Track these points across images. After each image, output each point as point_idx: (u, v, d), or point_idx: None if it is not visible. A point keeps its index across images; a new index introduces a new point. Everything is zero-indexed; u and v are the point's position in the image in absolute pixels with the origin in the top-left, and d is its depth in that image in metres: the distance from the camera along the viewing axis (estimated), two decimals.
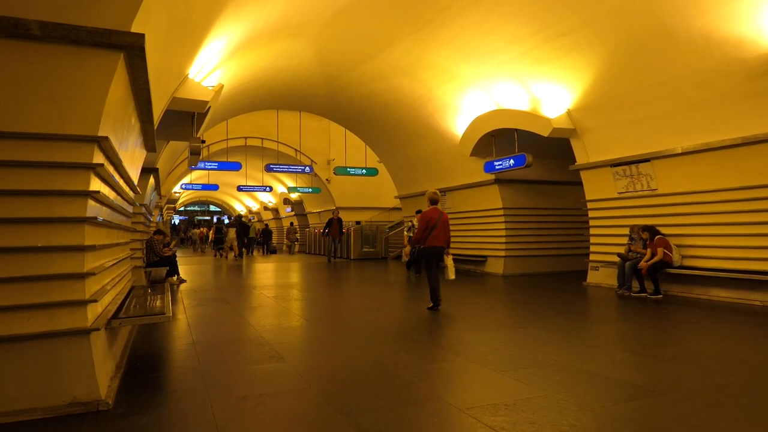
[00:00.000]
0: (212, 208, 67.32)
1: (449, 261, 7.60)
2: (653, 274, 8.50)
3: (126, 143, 4.82)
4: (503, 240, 13.15)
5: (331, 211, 20.56)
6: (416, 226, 11.23)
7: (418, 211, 12.47)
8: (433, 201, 7.63)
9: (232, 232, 20.70)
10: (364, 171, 20.99)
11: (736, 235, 7.99)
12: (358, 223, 21.92)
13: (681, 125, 8.42)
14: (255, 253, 25.70)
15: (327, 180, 25.13)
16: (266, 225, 32.66)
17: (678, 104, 8.26)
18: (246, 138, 23.39)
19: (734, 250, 8.00)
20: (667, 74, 8.07)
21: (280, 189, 31.76)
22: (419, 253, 7.64)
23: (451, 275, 7.63)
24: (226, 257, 20.81)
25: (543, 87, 10.34)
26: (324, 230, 19.15)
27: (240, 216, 29.72)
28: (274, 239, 34.24)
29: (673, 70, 7.95)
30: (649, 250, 8.64)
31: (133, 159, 5.76)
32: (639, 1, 7.43)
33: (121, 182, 5.02)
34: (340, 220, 18.95)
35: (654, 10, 7.41)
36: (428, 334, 5.92)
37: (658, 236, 8.67)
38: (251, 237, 24.38)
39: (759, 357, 4.84)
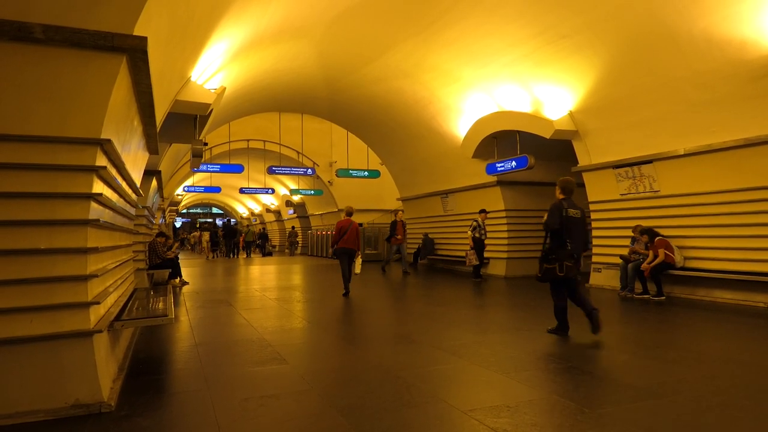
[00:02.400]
0: (215, 210, 67.41)
1: (358, 260, 9.54)
2: (656, 276, 8.48)
3: (128, 146, 4.84)
4: (505, 242, 13.14)
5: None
6: (481, 226, 11.39)
7: (482, 211, 12.24)
8: (349, 213, 9.72)
9: (206, 236, 24.38)
10: (366, 173, 20.99)
11: (739, 237, 7.97)
12: (360, 225, 21.91)
13: (683, 127, 8.41)
14: (253, 254, 27.21)
15: (329, 182, 25.14)
16: (263, 228, 33.93)
17: (680, 106, 8.25)
18: (248, 140, 23.42)
19: (737, 252, 7.97)
20: (669, 76, 8.06)
21: (282, 191, 31.80)
22: (334, 252, 9.61)
23: (357, 270, 9.53)
24: (216, 257, 23.47)
25: (545, 89, 10.34)
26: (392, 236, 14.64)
27: (230, 221, 32.61)
28: (276, 241, 34.81)
29: (675, 72, 7.94)
30: (651, 252, 8.63)
31: (135, 161, 5.77)
32: (640, 2, 7.43)
33: (124, 185, 5.03)
34: (403, 224, 15.27)
35: (656, 11, 7.41)
36: (430, 336, 5.92)
37: (658, 238, 8.64)
38: (249, 240, 26.95)
39: (763, 359, 4.82)
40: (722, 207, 8.15)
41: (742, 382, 3.99)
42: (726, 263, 8.10)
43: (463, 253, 14.85)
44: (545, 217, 5.77)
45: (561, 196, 5.88)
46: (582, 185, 10.93)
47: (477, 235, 11.97)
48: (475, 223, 12.09)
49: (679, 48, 7.60)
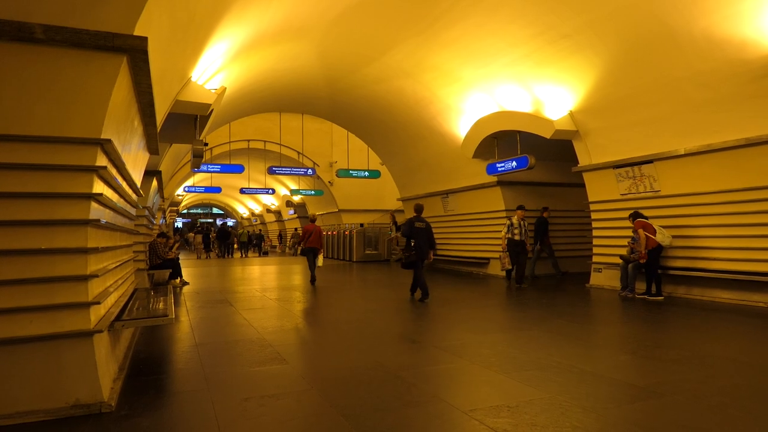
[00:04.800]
0: (215, 210, 67.44)
1: (320, 256, 11.98)
2: (654, 271, 8.45)
3: (129, 146, 4.84)
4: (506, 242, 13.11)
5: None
6: (514, 225, 10.52)
7: (519, 207, 10.76)
8: (312, 220, 12.54)
9: (198, 238, 26.14)
10: (366, 173, 21.00)
11: (740, 237, 7.96)
12: (361, 225, 21.93)
13: (683, 127, 8.40)
14: (250, 254, 28.82)
15: (329, 182, 25.15)
16: (259, 230, 35.42)
17: (680, 106, 8.25)
18: (249, 140, 23.44)
19: (737, 252, 7.97)
20: (670, 76, 8.05)
21: (282, 191, 31.84)
22: (302, 251, 12.13)
23: (320, 264, 11.96)
24: (208, 257, 24.90)
25: (545, 89, 10.33)
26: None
27: (225, 223, 34.65)
28: (276, 242, 35.44)
29: (676, 72, 7.94)
30: (642, 241, 8.61)
31: (136, 161, 5.78)
32: (641, 2, 7.43)
33: (124, 185, 5.04)
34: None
35: (656, 11, 7.40)
36: (430, 336, 5.92)
37: (637, 219, 8.70)
38: (243, 241, 28.93)
39: (762, 359, 4.82)
40: (723, 207, 8.14)
41: (743, 382, 3.98)
42: (726, 263, 8.10)
43: (463, 254, 14.92)
44: (402, 228, 9.16)
45: (414, 214, 9.14)
46: (582, 185, 10.94)
47: (510, 235, 10.65)
48: (508, 221, 10.83)
49: (680, 48, 7.60)
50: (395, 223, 18.40)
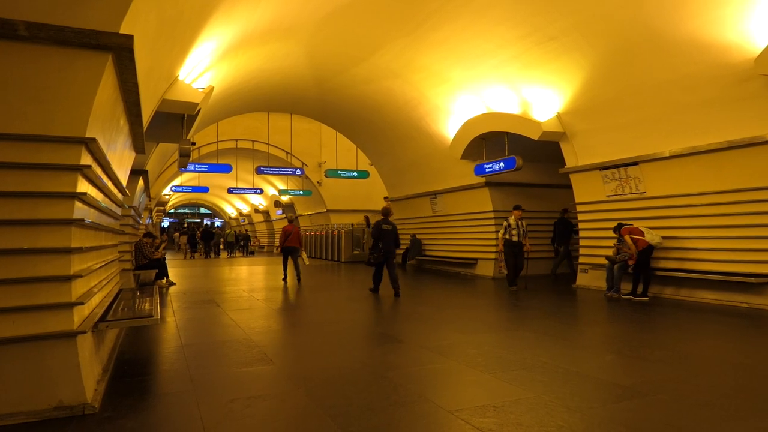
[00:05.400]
0: (203, 210, 66.98)
1: (304, 254, 12.85)
2: (645, 271, 8.54)
3: (114, 145, 4.80)
4: (493, 243, 13.16)
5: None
6: (511, 225, 10.16)
7: (517, 207, 10.28)
8: (290, 221, 12.93)
9: (184, 239, 27.17)
10: (355, 173, 20.98)
11: (723, 238, 8.07)
12: (351, 225, 21.91)
13: (669, 129, 8.50)
14: (237, 254, 29.73)
15: (318, 182, 25.09)
16: (246, 230, 36.13)
17: (666, 108, 8.35)
18: (237, 140, 23.31)
19: (721, 253, 8.08)
20: (655, 78, 8.15)
21: (270, 191, 31.71)
22: (282, 250, 12.53)
23: (306, 262, 13.36)
24: (194, 257, 25.69)
25: (533, 90, 10.40)
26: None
27: (213, 223, 35.59)
28: (264, 241, 35.50)
29: (661, 75, 8.03)
30: (629, 245, 8.70)
31: (121, 161, 5.72)
32: (628, 5, 7.51)
33: (110, 184, 4.99)
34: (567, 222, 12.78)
35: (642, 14, 7.49)
36: (417, 336, 5.93)
37: (622, 227, 8.80)
38: (230, 241, 29.78)
39: (745, 358, 4.89)
40: (706, 209, 8.25)
41: (726, 382, 4.04)
42: (710, 264, 8.21)
43: (451, 254, 14.96)
44: (371, 230, 10.04)
45: (381, 217, 9.81)
46: (569, 186, 11.03)
47: (507, 236, 10.21)
48: (505, 222, 10.37)
49: (665, 51, 7.69)
50: (369, 225, 18.73)
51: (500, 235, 10.36)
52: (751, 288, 7.64)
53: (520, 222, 10.24)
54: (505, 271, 10.37)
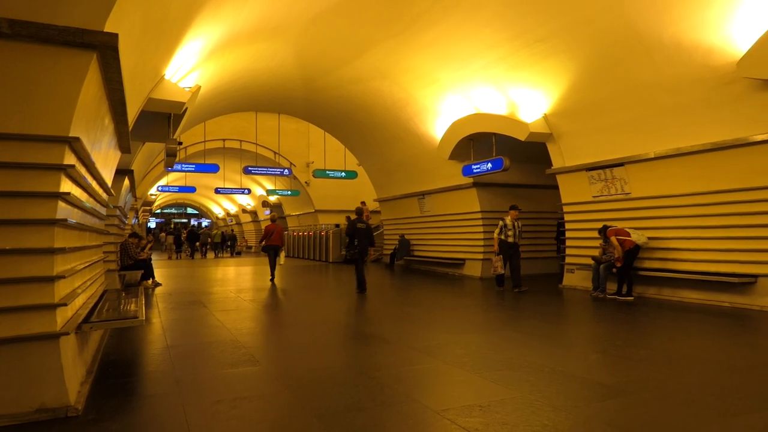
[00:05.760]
0: (189, 210, 66.49)
1: (282, 254, 13.00)
2: (627, 273, 8.63)
3: (99, 144, 4.75)
4: (481, 243, 13.25)
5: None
6: (507, 225, 9.99)
7: (513, 207, 10.17)
8: (273, 220, 13.29)
9: (170, 239, 27.14)
10: (343, 174, 20.98)
11: (706, 238, 8.18)
12: (337, 226, 21.87)
13: (653, 130, 8.60)
14: (224, 254, 29.77)
15: (306, 182, 25.03)
16: (232, 230, 35.89)
17: (651, 110, 8.44)
18: (224, 140, 23.18)
19: (704, 253, 8.18)
20: (641, 81, 8.24)
21: (258, 191, 31.57)
22: (263, 248, 12.93)
23: (282, 261, 13.07)
24: (179, 258, 25.70)
25: (520, 92, 10.46)
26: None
27: (200, 224, 35.67)
28: (252, 242, 35.52)
29: (646, 77, 8.12)
30: (615, 247, 8.79)
31: (106, 160, 5.67)
32: (613, 8, 7.58)
33: (94, 184, 4.93)
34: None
35: (628, 17, 7.57)
36: (405, 337, 5.94)
37: (608, 229, 8.89)
38: (216, 242, 29.93)
39: (727, 357, 4.96)
40: (690, 209, 8.36)
41: (708, 380, 4.10)
42: (693, 264, 8.31)
43: (439, 254, 14.99)
44: (346, 228, 10.53)
45: (354, 216, 10.39)
46: (556, 187, 11.11)
47: (503, 237, 10.01)
48: (501, 222, 10.15)
49: (650, 54, 7.78)
50: (507, 224, 18.10)
51: (495, 235, 10.13)
52: (734, 287, 7.75)
53: (516, 222, 10.10)
54: (502, 272, 9.98)
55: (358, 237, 9.92)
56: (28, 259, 3.28)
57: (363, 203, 10.15)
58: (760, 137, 7.18)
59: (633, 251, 8.63)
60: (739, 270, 7.66)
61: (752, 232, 7.55)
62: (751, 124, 7.27)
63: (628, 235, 8.66)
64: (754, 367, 4.50)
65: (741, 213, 7.64)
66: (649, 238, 8.84)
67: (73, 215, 3.98)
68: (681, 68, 7.60)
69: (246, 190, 27.88)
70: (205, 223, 62.58)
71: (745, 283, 7.60)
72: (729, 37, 6.89)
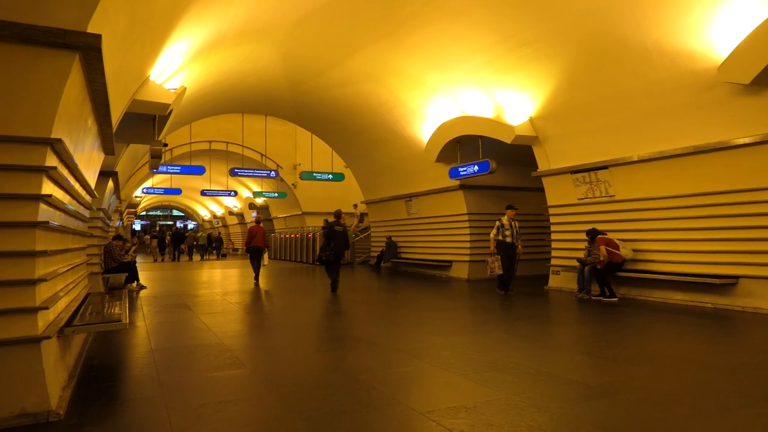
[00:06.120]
0: (175, 212, 65.94)
1: (266, 255, 13.07)
2: (603, 277, 8.72)
3: (82, 146, 4.70)
4: (468, 245, 13.30)
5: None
6: (505, 225, 9.59)
7: (510, 206, 9.86)
8: (257, 222, 13.35)
9: (154, 242, 27.45)
10: (330, 176, 20.94)
11: (688, 240, 8.29)
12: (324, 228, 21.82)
13: (637, 134, 8.71)
14: (209, 257, 29.78)
15: (293, 185, 24.94)
16: (219, 233, 36.55)
17: (634, 114, 8.55)
18: (210, 142, 23.03)
19: (686, 255, 8.30)
20: (624, 85, 8.34)
21: (245, 193, 31.40)
22: (247, 250, 13.05)
23: (265, 262, 13.06)
24: (164, 260, 25.67)
25: (506, 95, 10.54)
26: None
27: (185, 226, 36.12)
28: (238, 244, 35.45)
29: (630, 81, 8.23)
30: (601, 251, 8.88)
31: (90, 162, 5.61)
32: (598, 14, 7.68)
33: (77, 186, 4.87)
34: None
35: (612, 23, 7.66)
36: (391, 339, 5.94)
37: (599, 236, 8.94)
38: (201, 244, 29.88)
39: (709, 357, 5.03)
40: (672, 212, 8.47)
41: (690, 380, 4.15)
42: (676, 265, 8.42)
43: (426, 256, 15.01)
44: (323, 231, 11.10)
45: (333, 219, 10.64)
46: (542, 189, 11.20)
47: (500, 237, 9.69)
48: (498, 222, 9.84)
49: (634, 58, 7.88)
50: (504, 225, 17.64)
51: (492, 235, 9.80)
52: (716, 288, 7.86)
53: (513, 222, 9.82)
54: (500, 272, 9.60)
55: (334, 239, 10.21)
56: (8, 261, 3.24)
57: (339, 210, 10.42)
58: (741, 140, 7.31)
59: (620, 264, 8.74)
60: (721, 271, 7.78)
61: (734, 233, 7.67)
62: (732, 127, 7.40)
63: (618, 248, 8.76)
64: (735, 367, 4.57)
65: (723, 215, 7.77)
66: (633, 240, 8.95)
67: (56, 218, 3.93)
68: (664, 73, 7.71)
69: (232, 192, 27.72)
70: (191, 225, 62.12)
71: (726, 284, 7.72)
72: (710, 42, 7.01)
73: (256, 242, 12.82)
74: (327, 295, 10.16)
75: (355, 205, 23.40)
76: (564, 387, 3.97)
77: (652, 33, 7.42)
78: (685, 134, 8.03)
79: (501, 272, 9.61)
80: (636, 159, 8.83)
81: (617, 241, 8.86)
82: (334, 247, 10.20)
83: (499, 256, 9.60)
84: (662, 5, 7.07)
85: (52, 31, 3.06)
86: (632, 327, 6.78)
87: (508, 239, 9.69)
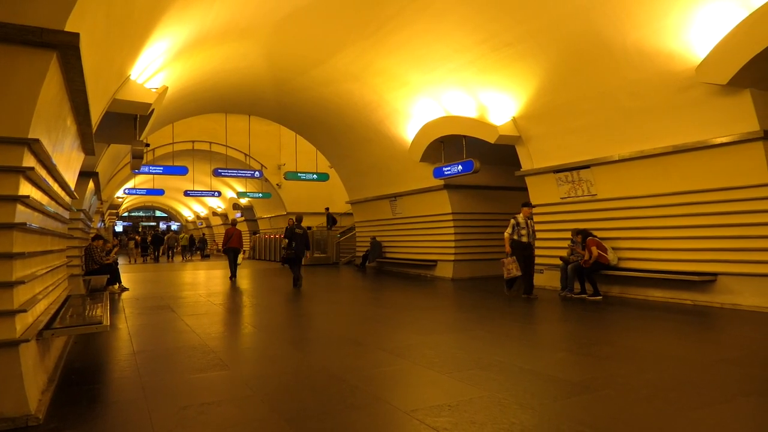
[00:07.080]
0: (158, 213, 65.25)
1: (240, 255, 14.11)
2: (590, 276, 8.83)
3: (61, 146, 4.63)
4: (452, 244, 13.36)
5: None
6: (521, 224, 9.00)
7: (526, 204, 9.34)
8: (233, 224, 15.06)
9: (131, 243, 27.88)
10: (315, 176, 20.89)
11: (668, 238, 8.43)
12: (309, 228, 21.76)
13: (618, 134, 8.83)
14: (192, 257, 29.80)
15: (277, 185, 24.82)
16: (203, 234, 36.74)
17: (615, 113, 8.66)
18: (193, 142, 22.83)
19: (667, 252, 8.43)
20: (605, 85, 8.45)
21: (229, 194, 31.16)
22: (224, 251, 14.26)
23: (240, 262, 14.05)
24: (145, 261, 25.88)
25: (489, 95, 10.61)
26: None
27: (163, 230, 36.66)
28: (221, 245, 35.47)
29: (610, 81, 8.34)
30: (587, 251, 8.99)
31: (69, 162, 5.53)
32: (579, 14, 7.76)
33: (56, 186, 4.80)
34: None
35: (593, 23, 7.76)
36: (375, 339, 5.95)
37: (589, 237, 9.04)
38: (184, 245, 30.39)
39: (689, 353, 5.12)
40: (652, 210, 8.60)
41: (670, 376, 4.22)
42: (657, 263, 8.55)
43: (411, 256, 15.04)
44: (285, 232, 11.89)
45: (294, 222, 11.70)
46: (525, 189, 11.28)
47: (516, 237, 9.05)
48: (513, 220, 9.14)
49: (614, 58, 7.99)
50: (520, 223, 17.36)
51: (507, 234, 9.11)
52: (696, 286, 8.00)
53: (529, 221, 9.22)
54: (518, 274, 8.93)
55: (295, 240, 11.29)
56: None
57: (298, 215, 11.91)
58: (719, 140, 7.44)
59: (603, 266, 8.86)
60: (700, 269, 7.92)
61: (712, 231, 7.81)
62: (710, 127, 7.54)
63: (606, 252, 8.87)
64: (712, 363, 4.65)
65: (702, 213, 7.90)
66: (615, 239, 9.10)
67: (34, 219, 3.87)
68: (643, 73, 7.83)
69: (216, 193, 27.49)
70: (174, 226, 61.52)
71: (705, 281, 7.86)
72: (688, 43, 7.13)
73: (232, 243, 13.83)
74: (311, 295, 10.13)
75: (327, 209, 23.63)
76: (546, 384, 4.01)
77: (631, 34, 7.53)
78: (664, 134, 8.15)
79: (519, 274, 8.92)
80: (617, 158, 8.94)
81: (608, 246, 8.97)
82: (295, 248, 11.25)
83: (515, 257, 8.93)
84: (641, 7, 7.17)
85: (29, 29, 3.01)
86: (613, 324, 6.87)
87: (524, 239, 9.05)
